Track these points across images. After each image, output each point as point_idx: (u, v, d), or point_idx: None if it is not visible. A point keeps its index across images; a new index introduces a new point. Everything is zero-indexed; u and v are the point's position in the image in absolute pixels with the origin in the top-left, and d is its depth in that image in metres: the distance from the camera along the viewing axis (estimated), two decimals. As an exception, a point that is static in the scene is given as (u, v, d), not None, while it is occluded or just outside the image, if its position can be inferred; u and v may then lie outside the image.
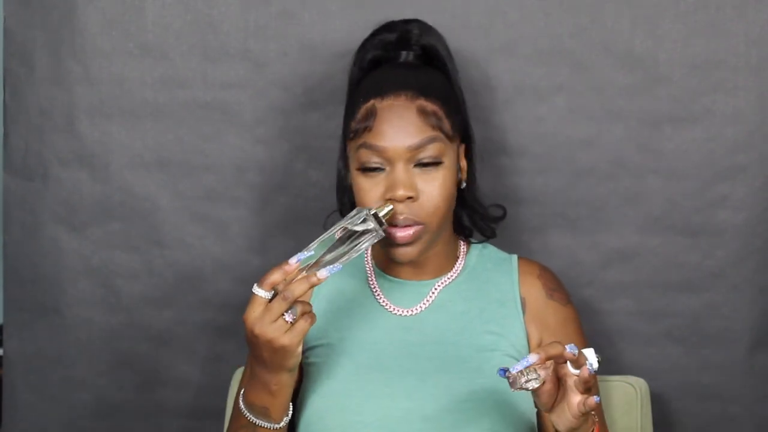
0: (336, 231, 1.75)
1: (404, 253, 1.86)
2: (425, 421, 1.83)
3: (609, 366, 2.23)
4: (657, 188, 2.21)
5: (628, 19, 2.19)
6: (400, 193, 1.82)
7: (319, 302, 1.96)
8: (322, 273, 1.70)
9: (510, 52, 2.21)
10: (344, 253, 1.74)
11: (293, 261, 1.71)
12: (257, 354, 1.73)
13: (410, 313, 1.92)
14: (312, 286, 1.69)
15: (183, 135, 2.27)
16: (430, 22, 2.18)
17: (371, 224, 1.75)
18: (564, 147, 2.22)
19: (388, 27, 1.97)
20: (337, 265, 1.72)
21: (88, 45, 2.25)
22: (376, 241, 1.76)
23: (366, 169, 1.85)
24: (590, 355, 1.67)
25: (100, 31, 2.25)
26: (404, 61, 1.94)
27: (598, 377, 2.09)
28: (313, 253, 1.71)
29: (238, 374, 2.12)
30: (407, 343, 1.89)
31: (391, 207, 1.80)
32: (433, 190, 1.84)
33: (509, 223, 2.22)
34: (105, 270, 2.29)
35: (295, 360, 1.73)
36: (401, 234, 1.84)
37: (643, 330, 2.23)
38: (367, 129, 1.85)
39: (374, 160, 1.84)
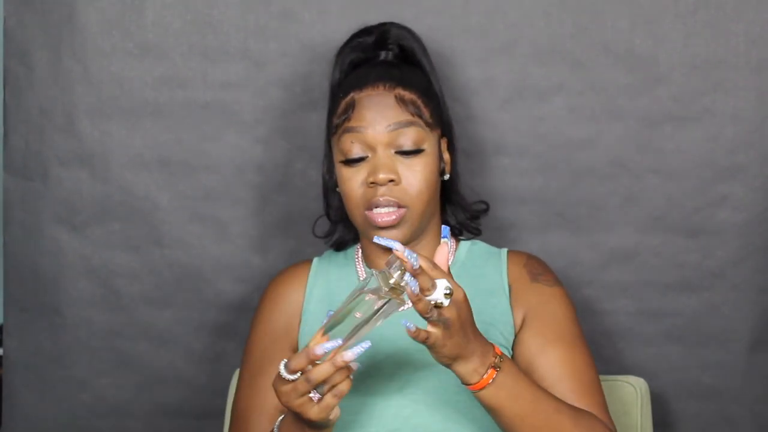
0: (355, 305, 1.67)
1: (387, 236, 1.87)
2: (418, 416, 1.84)
3: (609, 366, 2.23)
4: (657, 188, 2.21)
5: (628, 19, 2.19)
6: (382, 176, 1.86)
7: (312, 305, 1.97)
8: (348, 355, 1.65)
9: (510, 52, 2.21)
10: (368, 323, 1.68)
11: (319, 351, 1.65)
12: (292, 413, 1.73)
13: (401, 308, 1.92)
14: (338, 369, 1.65)
15: (183, 135, 2.26)
16: (430, 22, 2.19)
17: (376, 282, 1.67)
18: (564, 147, 2.22)
19: (366, 31, 2.02)
20: (365, 343, 1.66)
21: (88, 45, 2.25)
22: (399, 309, 1.70)
23: (349, 161, 1.89)
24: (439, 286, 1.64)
25: (100, 31, 2.25)
26: (383, 60, 1.99)
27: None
28: (340, 342, 1.65)
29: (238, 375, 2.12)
30: (399, 338, 1.89)
31: (404, 276, 1.67)
32: (414, 175, 1.88)
33: (509, 223, 2.23)
34: (105, 270, 2.29)
35: (331, 421, 1.71)
36: (382, 219, 1.87)
37: (643, 330, 2.23)
38: (347, 119, 1.90)
39: (356, 149, 1.88)
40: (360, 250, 2.01)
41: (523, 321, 1.91)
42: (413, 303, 1.63)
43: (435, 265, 1.65)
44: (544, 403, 1.74)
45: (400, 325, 1.89)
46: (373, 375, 1.87)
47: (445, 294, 1.64)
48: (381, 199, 1.87)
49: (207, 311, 2.29)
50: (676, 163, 2.21)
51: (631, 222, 2.22)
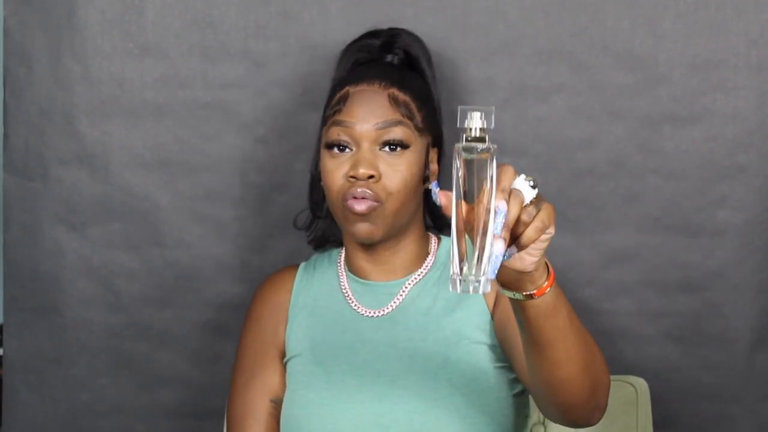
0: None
1: (361, 229, 1.86)
2: (397, 424, 1.83)
3: (609, 366, 2.22)
4: (657, 188, 2.21)
5: (628, 19, 2.19)
6: (362, 171, 1.84)
7: (297, 310, 1.97)
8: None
9: (510, 52, 2.21)
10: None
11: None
12: None
13: (380, 314, 1.92)
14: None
15: (183, 135, 2.26)
16: (430, 22, 2.19)
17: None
18: (564, 147, 2.22)
19: (374, 33, 2.02)
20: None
21: (88, 45, 2.25)
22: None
23: (332, 146, 1.88)
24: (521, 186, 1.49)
25: (100, 31, 2.25)
26: (387, 62, 1.98)
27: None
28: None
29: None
30: (378, 344, 1.89)
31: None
32: (395, 173, 1.86)
33: (509, 223, 2.22)
34: (105, 270, 2.29)
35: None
36: (358, 206, 1.85)
37: (643, 330, 2.23)
38: (338, 111, 1.88)
39: (342, 138, 1.87)
40: (343, 255, 2.00)
41: (496, 302, 1.86)
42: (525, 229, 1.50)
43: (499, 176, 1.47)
44: (575, 317, 1.58)
45: (392, 326, 1.90)
46: (354, 382, 1.87)
47: (532, 186, 1.50)
48: (358, 190, 1.85)
49: (207, 311, 2.29)
50: (676, 163, 2.21)
51: (631, 222, 2.22)
